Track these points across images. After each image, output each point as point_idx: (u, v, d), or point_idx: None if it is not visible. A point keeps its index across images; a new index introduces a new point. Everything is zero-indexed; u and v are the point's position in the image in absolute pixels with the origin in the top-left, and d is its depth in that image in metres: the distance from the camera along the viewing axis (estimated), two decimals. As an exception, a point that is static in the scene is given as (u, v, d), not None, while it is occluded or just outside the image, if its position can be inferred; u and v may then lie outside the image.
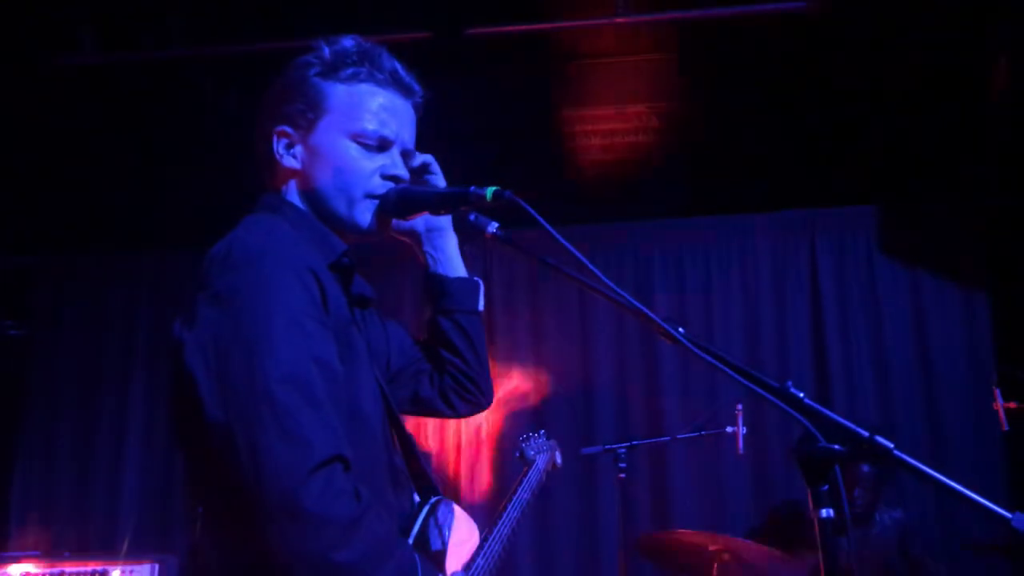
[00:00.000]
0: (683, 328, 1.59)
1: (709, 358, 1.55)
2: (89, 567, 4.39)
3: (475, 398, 2.18)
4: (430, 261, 2.15)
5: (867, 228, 5.74)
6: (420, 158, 2.00)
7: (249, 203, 1.90)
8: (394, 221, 1.92)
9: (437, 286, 2.14)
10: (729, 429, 4.33)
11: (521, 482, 2.47)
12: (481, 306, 2.17)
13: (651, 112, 5.35)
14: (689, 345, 1.55)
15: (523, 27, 4.80)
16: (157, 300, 5.94)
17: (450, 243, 2.15)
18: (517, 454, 2.76)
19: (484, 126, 5.22)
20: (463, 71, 4.86)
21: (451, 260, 2.15)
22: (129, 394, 5.81)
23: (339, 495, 1.47)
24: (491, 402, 2.23)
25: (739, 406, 4.37)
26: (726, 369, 1.53)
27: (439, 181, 2.03)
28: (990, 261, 5.57)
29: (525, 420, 5.49)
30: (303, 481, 1.44)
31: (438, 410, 2.17)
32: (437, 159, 2.06)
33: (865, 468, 4.64)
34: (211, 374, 1.54)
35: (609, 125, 5.45)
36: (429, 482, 1.90)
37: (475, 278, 2.16)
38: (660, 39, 4.95)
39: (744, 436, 4.31)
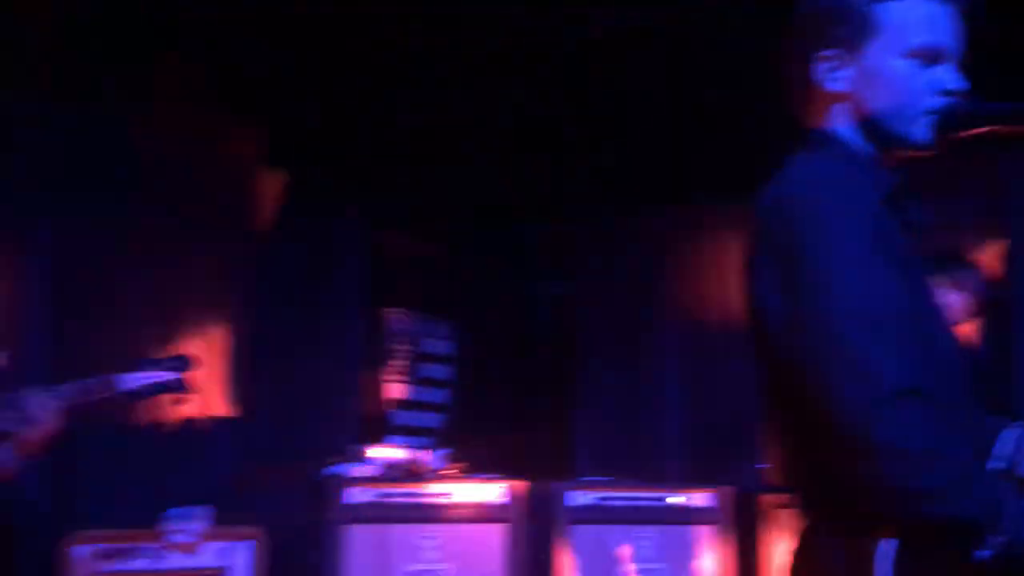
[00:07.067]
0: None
1: None
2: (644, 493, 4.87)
3: None
4: None
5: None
6: None
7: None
8: None
9: None
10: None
11: None
12: None
13: None
14: None
15: None
16: (683, 252, 6.35)
17: None
18: None
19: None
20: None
21: None
22: (666, 341, 6.27)
23: (913, 427, 1.48)
24: None
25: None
26: None
27: None
28: None
29: None
30: (873, 415, 1.47)
31: None
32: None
33: None
34: (780, 315, 1.64)
35: None
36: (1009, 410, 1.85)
37: None
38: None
39: None
